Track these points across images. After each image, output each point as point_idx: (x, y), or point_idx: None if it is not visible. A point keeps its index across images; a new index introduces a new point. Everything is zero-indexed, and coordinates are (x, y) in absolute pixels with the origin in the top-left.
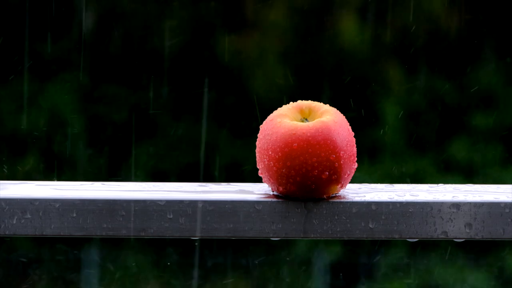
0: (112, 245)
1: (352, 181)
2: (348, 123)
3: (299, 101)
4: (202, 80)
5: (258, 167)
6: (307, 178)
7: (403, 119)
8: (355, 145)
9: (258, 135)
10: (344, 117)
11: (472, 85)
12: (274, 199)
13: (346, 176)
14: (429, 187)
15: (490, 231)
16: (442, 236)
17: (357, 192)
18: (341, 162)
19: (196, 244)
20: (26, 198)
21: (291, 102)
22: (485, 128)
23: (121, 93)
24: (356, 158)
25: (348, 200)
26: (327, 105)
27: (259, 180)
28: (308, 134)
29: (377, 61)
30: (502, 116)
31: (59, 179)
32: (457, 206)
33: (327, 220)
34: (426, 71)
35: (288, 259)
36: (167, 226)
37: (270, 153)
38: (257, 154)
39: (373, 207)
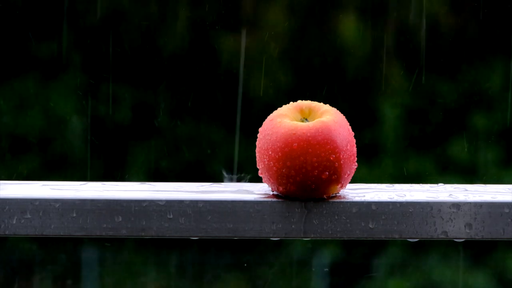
0: (112, 245)
1: (352, 181)
2: (348, 123)
3: (299, 101)
4: (202, 80)
5: (258, 167)
6: (307, 178)
7: (403, 119)
8: (355, 145)
9: (258, 135)
10: (344, 117)
11: (472, 85)
12: (274, 199)
13: (346, 176)
14: (429, 187)
15: (490, 231)
16: (442, 236)
17: (357, 192)
18: (341, 162)
19: (196, 244)
20: (26, 198)
21: (291, 102)
22: (485, 128)
23: (121, 93)
24: (356, 158)
25: (348, 200)
26: (327, 105)
27: (259, 180)
28: (308, 134)
29: (377, 61)
30: (502, 116)
31: (59, 179)
32: (457, 206)
33: (327, 220)
34: (426, 71)
35: (287, 259)
36: (167, 226)
37: (270, 153)
38: (257, 154)
39: (373, 207)
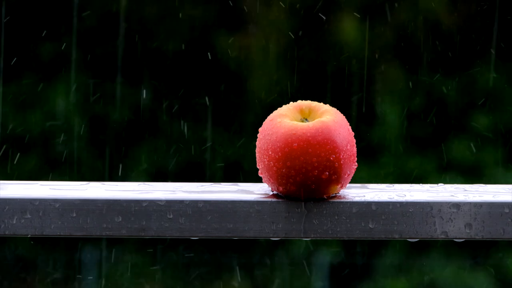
0: (112, 245)
1: (352, 181)
2: (348, 123)
3: (299, 101)
4: (202, 80)
5: (258, 167)
6: (307, 178)
7: (403, 119)
8: (355, 145)
9: (258, 135)
10: (344, 117)
11: (472, 85)
12: (274, 199)
13: (346, 176)
14: (429, 187)
15: (490, 231)
16: (442, 236)
17: (357, 192)
18: (341, 162)
19: (196, 244)
20: (26, 198)
21: (291, 102)
22: (485, 128)
23: (121, 93)
24: (356, 158)
25: (348, 200)
26: (327, 105)
27: (259, 180)
28: (308, 134)
29: (377, 61)
30: (502, 116)
31: (59, 179)
32: (457, 206)
33: (327, 220)
34: (426, 71)
35: (287, 259)
36: (167, 226)
37: (270, 153)
38: (257, 154)
39: (373, 207)
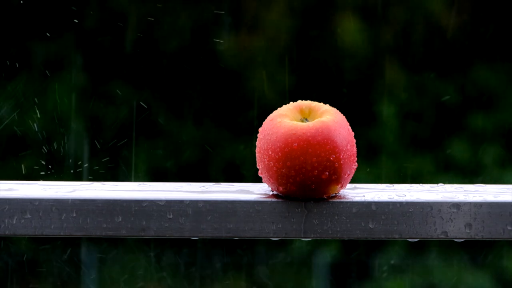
0: (112, 245)
1: (352, 181)
2: (348, 123)
3: (299, 101)
4: (202, 80)
5: (258, 167)
6: (307, 178)
7: (403, 119)
8: (355, 145)
9: (258, 135)
10: (344, 117)
11: (472, 85)
12: (274, 199)
13: (346, 176)
14: (429, 187)
15: (490, 231)
16: (442, 236)
17: (357, 192)
18: (341, 162)
19: (196, 244)
20: (26, 198)
21: (291, 102)
22: (484, 128)
23: (121, 93)
24: (356, 158)
25: (348, 200)
26: (327, 105)
27: (259, 180)
28: (308, 134)
29: (377, 61)
30: (501, 116)
31: (59, 179)
32: (457, 206)
33: (327, 220)
34: (426, 71)
35: (287, 259)
36: (167, 226)
37: (270, 153)
38: (257, 154)
39: (373, 207)
